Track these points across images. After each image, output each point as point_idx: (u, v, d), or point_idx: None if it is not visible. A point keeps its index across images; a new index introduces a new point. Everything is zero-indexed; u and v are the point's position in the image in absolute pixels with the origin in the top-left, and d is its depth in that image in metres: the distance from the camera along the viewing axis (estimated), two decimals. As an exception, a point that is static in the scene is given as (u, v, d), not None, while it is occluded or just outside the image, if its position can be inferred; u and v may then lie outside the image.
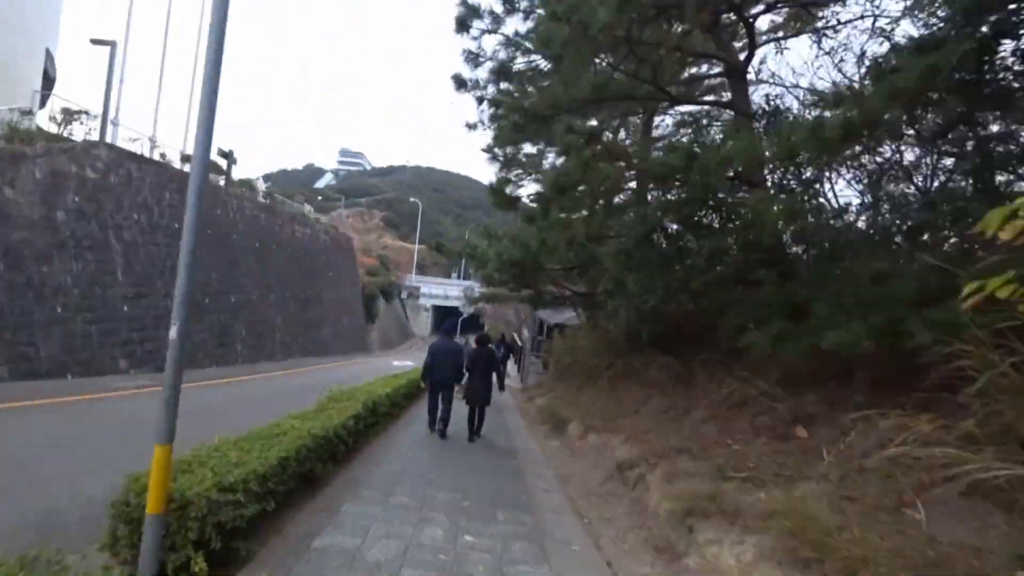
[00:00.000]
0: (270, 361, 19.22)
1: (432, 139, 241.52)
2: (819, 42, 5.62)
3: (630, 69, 5.40)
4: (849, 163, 4.82)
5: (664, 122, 9.71)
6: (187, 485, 2.78)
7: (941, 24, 3.81)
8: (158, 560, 2.56)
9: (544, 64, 7.91)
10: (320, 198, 75.34)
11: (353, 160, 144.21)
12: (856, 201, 4.99)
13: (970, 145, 4.05)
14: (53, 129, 12.84)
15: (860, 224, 4.91)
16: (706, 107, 7.84)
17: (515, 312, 37.72)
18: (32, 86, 14.47)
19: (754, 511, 3.17)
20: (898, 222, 4.46)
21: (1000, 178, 3.94)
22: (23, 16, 14.83)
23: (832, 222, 4.76)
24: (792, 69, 12.58)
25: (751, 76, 6.07)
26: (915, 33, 4.30)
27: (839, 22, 5.63)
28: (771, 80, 6.32)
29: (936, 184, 4.41)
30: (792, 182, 5.06)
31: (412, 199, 76.01)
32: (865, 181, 4.89)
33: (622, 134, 10.37)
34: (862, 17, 5.25)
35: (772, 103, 5.64)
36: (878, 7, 5.03)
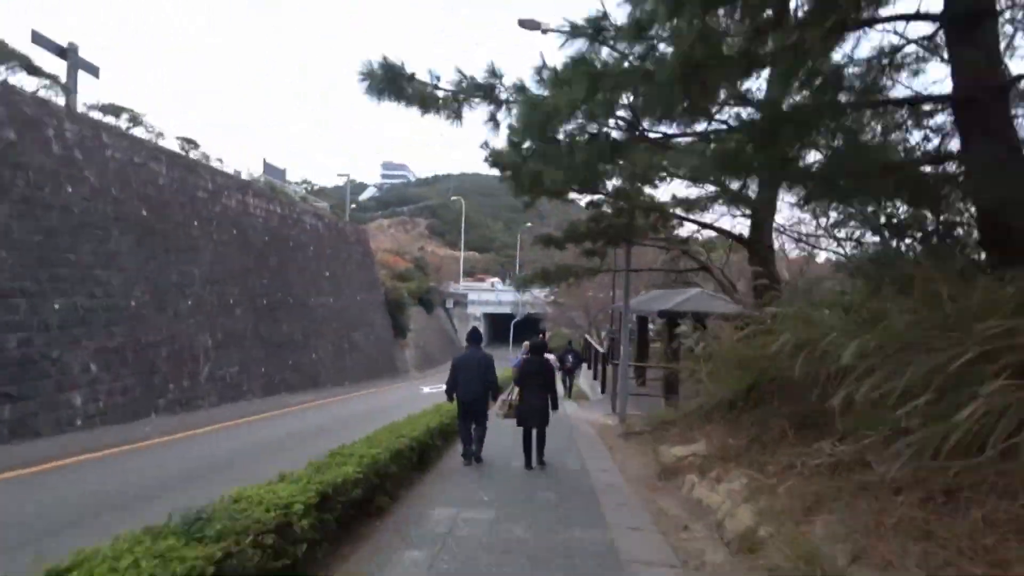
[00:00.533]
0: (189, 411, 11.43)
1: (476, 145, 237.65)
2: None
3: None
4: None
5: None
6: None
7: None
8: None
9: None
10: (354, 205, 70.29)
11: (396, 173, 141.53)
12: None
13: None
14: None
15: None
16: None
17: (585, 311, 28.72)
18: None
19: None
20: None
21: None
22: None
23: None
24: None
25: None
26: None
27: None
28: None
29: None
30: None
31: (454, 197, 69.22)
32: None
33: None
34: None
35: None
36: None
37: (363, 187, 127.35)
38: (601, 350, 15.14)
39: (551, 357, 11.19)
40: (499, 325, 47.73)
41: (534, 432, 6.37)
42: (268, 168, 20.50)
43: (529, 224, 47.81)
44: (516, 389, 6.63)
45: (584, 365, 19.31)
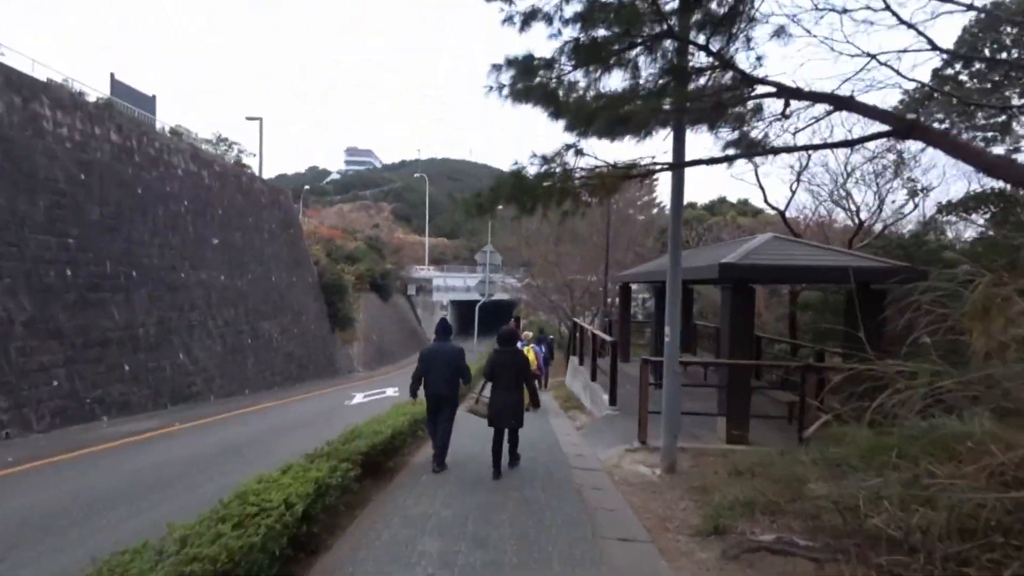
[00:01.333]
0: None
1: (445, 131, 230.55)
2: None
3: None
4: None
5: None
6: None
7: None
8: None
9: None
10: (307, 187, 63.33)
11: (361, 159, 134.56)
12: None
13: None
14: None
15: None
16: None
17: (568, 292, 23.44)
18: None
19: None
20: None
21: None
22: None
23: None
24: None
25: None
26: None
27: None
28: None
29: None
30: None
31: (417, 175, 63.04)
32: None
33: None
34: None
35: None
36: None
37: (326, 174, 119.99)
38: (607, 337, 9.79)
39: (538, 348, 8.39)
40: (468, 314, 42.29)
41: (506, 433, 5.57)
42: (120, 88, 14.38)
43: (501, 207, 42.79)
44: (487, 384, 5.77)
45: (576, 360, 14.04)
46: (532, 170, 5.05)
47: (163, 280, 12.59)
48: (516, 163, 5.15)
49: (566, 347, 17.00)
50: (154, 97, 16.17)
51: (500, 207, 5.75)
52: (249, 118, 20.53)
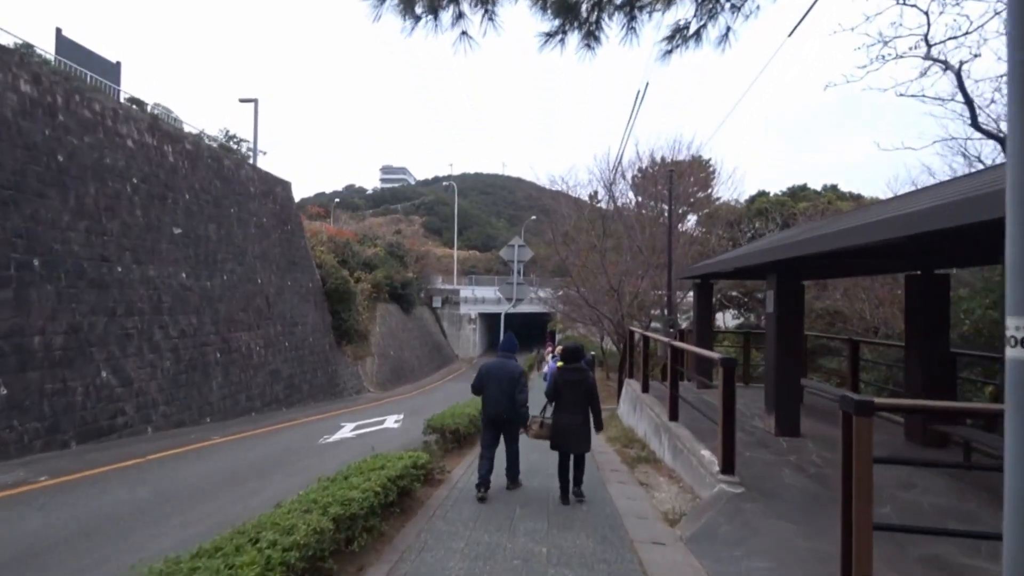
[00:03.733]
0: None
1: (478, 147, 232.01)
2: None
3: None
4: None
5: None
6: None
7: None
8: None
9: None
10: (336, 204, 61.94)
11: (396, 176, 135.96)
12: None
13: None
14: None
15: None
16: None
17: (617, 296, 19.54)
18: None
19: None
20: None
21: None
22: None
23: None
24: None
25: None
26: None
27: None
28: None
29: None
30: None
31: (446, 183, 60.78)
32: None
33: None
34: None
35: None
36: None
37: (363, 192, 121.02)
38: (712, 355, 5.91)
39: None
40: (499, 329, 38.77)
41: (571, 458, 5.17)
42: (65, 45, 11.77)
43: (534, 218, 39.52)
44: (549, 405, 5.41)
45: (636, 385, 10.23)
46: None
47: (85, 274, 9.57)
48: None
49: (618, 367, 13.15)
50: (118, 64, 13.59)
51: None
52: (243, 100, 17.94)
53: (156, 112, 15.21)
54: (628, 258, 18.84)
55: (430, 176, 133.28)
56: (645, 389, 9.52)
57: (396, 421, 13.15)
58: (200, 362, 12.12)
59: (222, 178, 14.59)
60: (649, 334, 10.04)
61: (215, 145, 15.85)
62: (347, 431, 11.56)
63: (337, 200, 77.37)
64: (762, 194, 20.82)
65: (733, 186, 21.20)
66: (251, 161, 18.01)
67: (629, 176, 21.28)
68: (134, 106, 13.17)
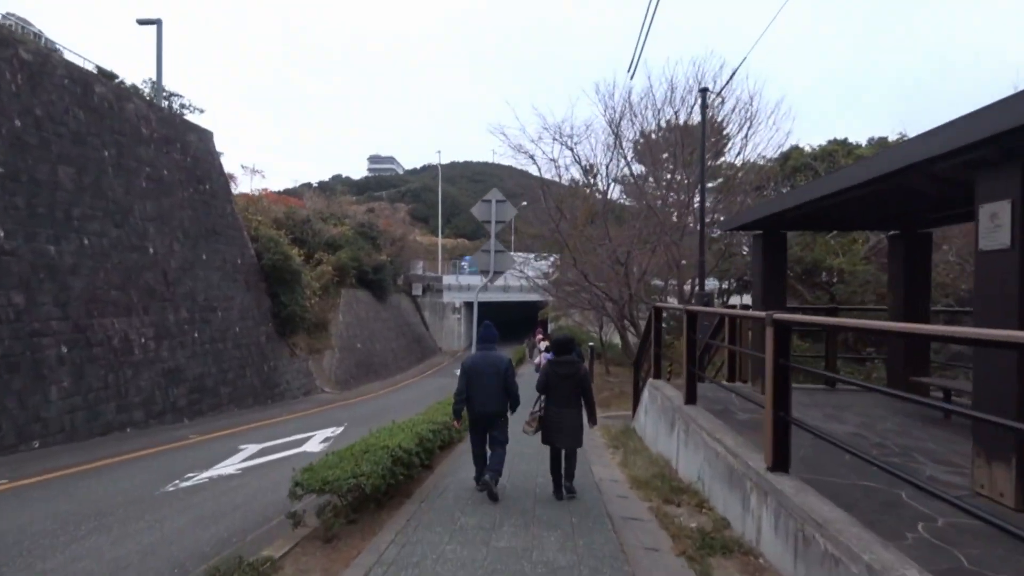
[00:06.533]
0: None
1: (467, 135, 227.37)
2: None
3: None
4: None
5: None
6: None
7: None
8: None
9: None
10: (314, 189, 57.61)
11: (384, 166, 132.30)
12: None
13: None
14: None
15: None
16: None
17: (624, 277, 15.72)
18: None
19: None
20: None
21: None
22: None
23: None
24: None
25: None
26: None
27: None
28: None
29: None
30: None
31: (432, 163, 56.97)
32: None
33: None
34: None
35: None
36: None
37: (350, 182, 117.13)
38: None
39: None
40: (488, 318, 34.99)
41: (563, 452, 4.95)
42: None
43: (525, 203, 35.93)
44: (540, 399, 5.09)
45: (663, 387, 6.57)
46: None
47: None
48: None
49: (634, 362, 9.47)
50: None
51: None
52: (142, 21, 13.92)
53: (8, 23, 11.20)
54: (638, 224, 15.10)
55: (419, 165, 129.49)
56: (691, 399, 5.80)
57: (325, 440, 9.39)
58: (25, 360, 8.26)
59: (89, 109, 10.64)
60: (713, 309, 6.35)
61: (92, 70, 11.86)
62: (237, 461, 7.80)
63: (315, 185, 72.99)
64: (796, 149, 17.21)
65: (775, 126, 17.07)
66: (163, 104, 14.01)
67: (632, 135, 17.40)
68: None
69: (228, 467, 7.41)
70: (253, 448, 8.69)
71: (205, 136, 14.74)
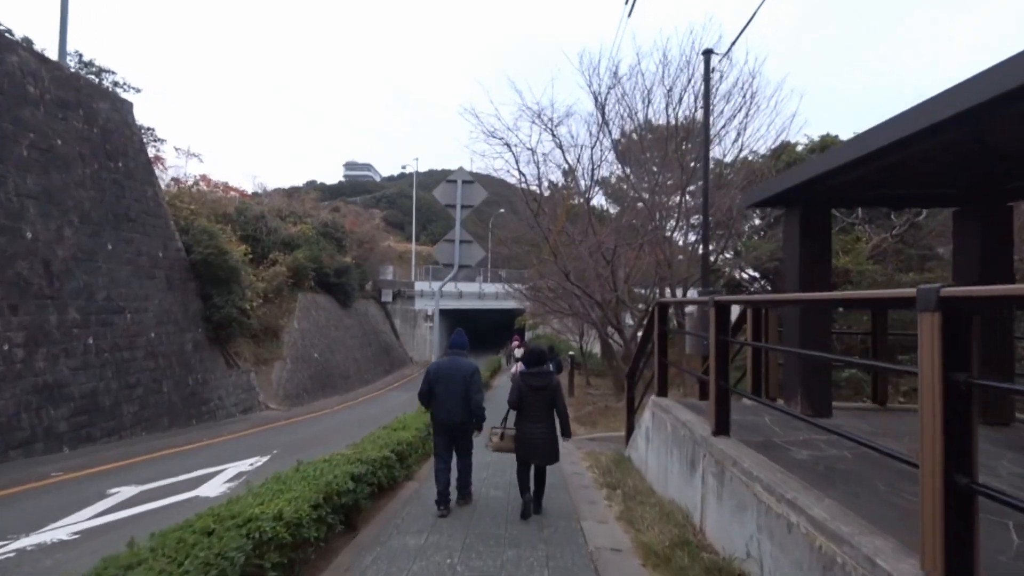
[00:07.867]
0: None
1: (447, 142, 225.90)
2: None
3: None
4: None
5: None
6: None
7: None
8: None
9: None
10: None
11: (360, 173, 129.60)
12: None
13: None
14: None
15: None
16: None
17: (610, 279, 13.83)
18: None
19: None
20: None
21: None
22: None
23: None
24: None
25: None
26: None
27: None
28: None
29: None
30: None
31: (405, 167, 54.91)
32: None
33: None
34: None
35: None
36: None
37: (323, 186, 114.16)
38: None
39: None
40: (463, 328, 32.89)
41: (532, 468, 4.69)
42: None
43: (502, 210, 34.22)
44: (511, 413, 4.77)
45: (681, 411, 4.68)
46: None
47: None
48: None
49: (628, 373, 7.54)
50: None
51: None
52: None
53: None
54: (625, 217, 13.33)
55: (396, 172, 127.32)
56: (722, 428, 3.90)
57: (235, 477, 7.22)
58: None
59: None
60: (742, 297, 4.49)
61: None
62: (87, 516, 5.63)
63: (286, 189, 70.09)
64: (787, 145, 15.84)
65: (776, 110, 15.55)
66: (61, 60, 11.71)
67: (614, 132, 15.63)
68: None
69: (66, 527, 5.21)
70: (127, 492, 6.48)
71: (122, 106, 12.47)
